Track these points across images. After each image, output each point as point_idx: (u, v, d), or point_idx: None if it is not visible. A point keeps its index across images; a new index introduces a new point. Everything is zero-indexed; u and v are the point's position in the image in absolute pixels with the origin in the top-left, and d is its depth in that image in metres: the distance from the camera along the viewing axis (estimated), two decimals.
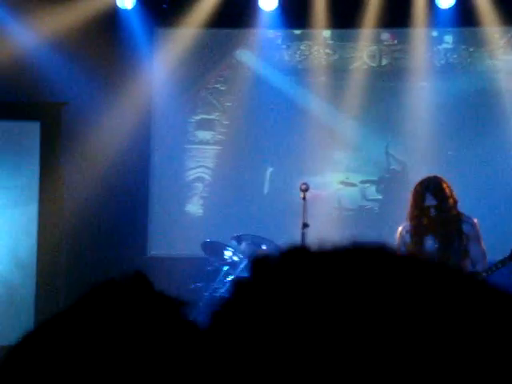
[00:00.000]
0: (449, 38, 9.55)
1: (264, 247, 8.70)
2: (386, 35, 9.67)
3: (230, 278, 8.33)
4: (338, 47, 9.71)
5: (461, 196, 6.66)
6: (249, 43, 9.76)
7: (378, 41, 9.65)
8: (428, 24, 9.42)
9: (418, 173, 7.72)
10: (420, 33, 9.53)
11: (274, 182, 9.66)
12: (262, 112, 9.75)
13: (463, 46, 9.51)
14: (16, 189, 9.19)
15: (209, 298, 8.18)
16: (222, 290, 8.24)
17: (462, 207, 6.55)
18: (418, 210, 6.38)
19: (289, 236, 8.49)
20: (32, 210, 9.15)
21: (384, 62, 9.69)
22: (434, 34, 9.58)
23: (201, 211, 9.74)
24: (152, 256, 9.53)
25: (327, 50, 9.70)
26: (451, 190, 6.45)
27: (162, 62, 9.79)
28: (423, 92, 9.49)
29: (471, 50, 9.50)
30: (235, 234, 8.64)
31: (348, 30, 9.65)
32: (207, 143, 9.81)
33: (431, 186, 6.40)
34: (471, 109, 9.45)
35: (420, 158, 9.34)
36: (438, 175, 6.59)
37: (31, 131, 9.21)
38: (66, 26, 9.31)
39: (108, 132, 9.43)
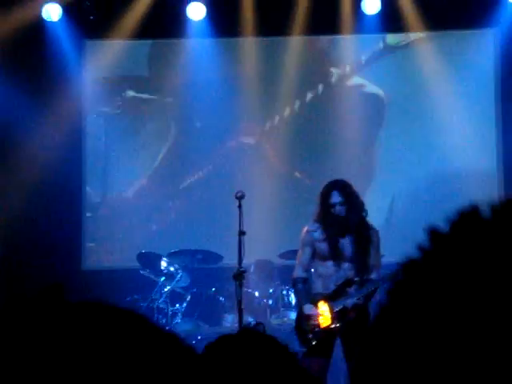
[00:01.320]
0: (374, 44, 9.69)
1: (199, 257, 8.71)
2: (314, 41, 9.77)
3: (167, 288, 8.30)
4: (266, 55, 9.76)
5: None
6: (178, 53, 9.76)
7: (306, 47, 9.74)
8: (354, 30, 9.55)
9: None
10: (347, 39, 9.67)
11: (208, 190, 9.66)
12: (194, 120, 9.75)
13: (391, 51, 9.65)
14: None
15: (146, 309, 8.15)
16: (160, 301, 8.21)
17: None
18: (326, 207, 6.33)
19: (225, 244, 8.52)
20: None
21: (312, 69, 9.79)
22: (361, 39, 9.69)
23: (134, 222, 9.68)
24: (87, 269, 9.45)
25: (256, 58, 9.75)
26: (358, 195, 6.45)
27: (91, 74, 9.72)
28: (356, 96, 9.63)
29: (398, 54, 9.66)
30: (171, 251, 8.60)
31: (276, 37, 9.72)
32: (138, 153, 9.77)
33: (338, 185, 6.38)
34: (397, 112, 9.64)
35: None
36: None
37: None
38: None
39: (39, 145, 9.32)
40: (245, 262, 6.87)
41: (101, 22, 9.57)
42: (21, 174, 9.29)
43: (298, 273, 6.43)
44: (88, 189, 9.67)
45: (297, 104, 9.72)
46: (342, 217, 6.28)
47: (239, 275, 6.45)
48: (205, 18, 9.54)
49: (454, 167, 9.48)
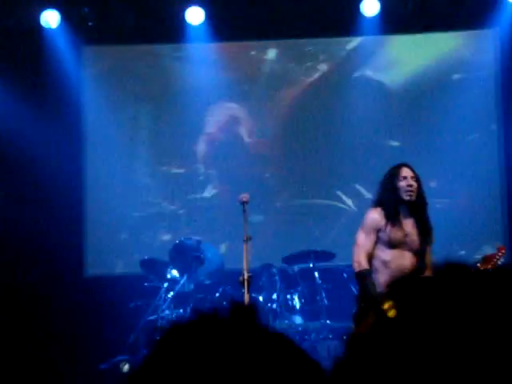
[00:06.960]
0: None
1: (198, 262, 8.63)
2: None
3: (171, 294, 8.25)
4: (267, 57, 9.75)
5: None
6: (176, 57, 9.74)
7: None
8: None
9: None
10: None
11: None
12: (187, 126, 9.71)
13: None
14: None
15: (151, 316, 8.10)
16: (164, 307, 8.16)
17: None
18: (396, 192, 6.11)
19: (231, 249, 8.47)
20: None
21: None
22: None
23: (135, 229, 9.63)
24: (89, 276, 9.39)
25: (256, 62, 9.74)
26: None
27: (90, 80, 9.69)
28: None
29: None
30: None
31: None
32: (137, 158, 9.75)
33: (408, 169, 6.18)
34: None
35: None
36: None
37: None
38: None
39: (38, 152, 9.27)
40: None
41: (99, 28, 9.54)
42: (20, 180, 9.25)
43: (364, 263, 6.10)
44: (89, 196, 9.60)
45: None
46: (413, 202, 6.09)
47: (246, 280, 6.34)
48: (203, 23, 9.51)
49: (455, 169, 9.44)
